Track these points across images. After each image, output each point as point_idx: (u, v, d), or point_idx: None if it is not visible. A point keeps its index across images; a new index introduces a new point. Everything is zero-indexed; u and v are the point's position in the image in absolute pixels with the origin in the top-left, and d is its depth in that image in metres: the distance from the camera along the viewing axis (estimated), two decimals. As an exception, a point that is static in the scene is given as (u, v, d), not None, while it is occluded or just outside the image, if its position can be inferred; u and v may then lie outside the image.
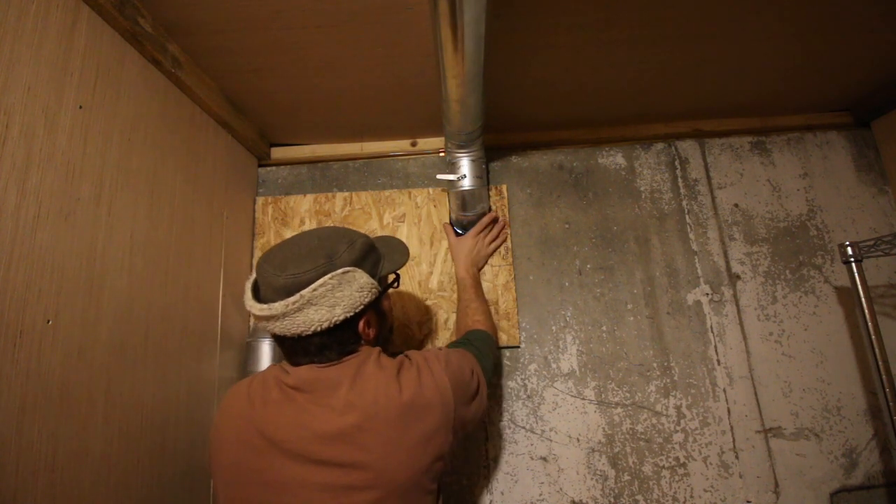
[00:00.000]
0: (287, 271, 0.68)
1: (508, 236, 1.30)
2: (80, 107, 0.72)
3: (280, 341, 0.72)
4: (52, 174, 0.66)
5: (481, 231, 1.23)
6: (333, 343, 0.71)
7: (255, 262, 1.28)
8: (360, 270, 0.71)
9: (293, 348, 0.71)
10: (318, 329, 0.68)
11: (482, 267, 1.26)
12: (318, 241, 0.72)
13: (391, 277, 0.85)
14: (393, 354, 0.77)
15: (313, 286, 0.66)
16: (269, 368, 0.77)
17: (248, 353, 1.14)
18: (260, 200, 1.33)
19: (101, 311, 0.73)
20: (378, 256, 0.79)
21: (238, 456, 0.68)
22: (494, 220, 1.26)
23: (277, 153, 1.39)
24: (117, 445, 0.74)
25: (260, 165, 1.38)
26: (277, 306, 0.66)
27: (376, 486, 0.64)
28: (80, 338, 0.69)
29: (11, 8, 0.62)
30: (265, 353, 1.12)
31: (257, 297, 0.72)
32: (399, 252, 0.85)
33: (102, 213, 0.75)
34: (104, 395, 0.72)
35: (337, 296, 0.68)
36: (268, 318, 0.68)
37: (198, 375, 0.98)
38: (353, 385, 0.68)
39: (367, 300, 0.72)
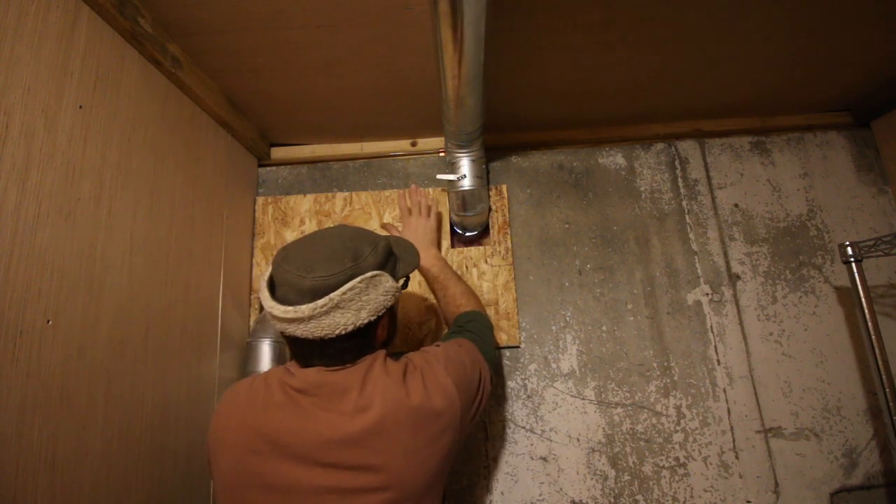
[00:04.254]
0: (314, 273, 0.66)
1: (508, 236, 1.30)
2: (80, 107, 0.72)
3: (297, 343, 0.70)
4: (52, 174, 0.66)
5: (412, 212, 1.18)
6: (353, 347, 0.70)
7: (255, 261, 1.28)
8: (385, 274, 0.71)
9: (311, 350, 0.70)
10: (343, 332, 0.66)
11: (439, 243, 1.22)
12: (342, 243, 0.71)
13: (402, 280, 0.83)
14: (395, 356, 0.77)
15: (343, 289, 0.65)
16: (271, 371, 0.76)
17: (248, 353, 1.14)
18: (260, 200, 1.33)
19: (101, 311, 0.73)
20: (395, 259, 0.79)
21: (239, 459, 0.67)
22: (410, 197, 1.21)
23: (277, 153, 1.39)
24: (117, 445, 0.74)
25: (260, 165, 1.38)
26: (305, 309, 0.64)
27: (391, 488, 0.64)
28: (80, 338, 0.69)
29: (11, 8, 0.62)
30: (265, 353, 1.12)
31: (275, 296, 0.69)
32: (411, 254, 0.85)
33: (102, 213, 0.75)
34: (104, 395, 0.72)
35: (363, 299, 0.67)
36: (290, 321, 0.66)
37: (198, 375, 0.98)
38: (362, 390, 0.67)
39: (389, 303, 0.71)
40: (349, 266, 0.67)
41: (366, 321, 0.68)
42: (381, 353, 0.74)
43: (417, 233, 1.14)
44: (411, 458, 0.65)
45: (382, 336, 0.76)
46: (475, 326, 0.92)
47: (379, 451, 0.64)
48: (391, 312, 0.77)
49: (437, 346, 0.82)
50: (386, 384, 0.68)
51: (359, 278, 0.67)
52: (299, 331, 0.66)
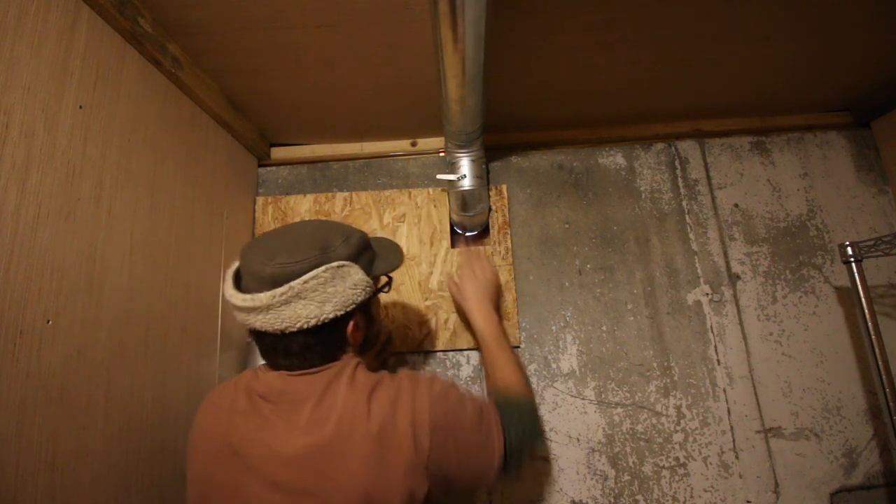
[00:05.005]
0: (275, 260, 0.62)
1: (508, 236, 1.30)
2: (80, 107, 0.72)
3: (259, 338, 0.66)
4: (52, 174, 0.66)
5: (473, 266, 1.06)
6: (318, 344, 0.65)
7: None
8: (355, 266, 0.66)
9: (273, 347, 0.65)
10: (305, 326, 0.62)
11: (498, 308, 1.06)
12: (312, 232, 0.68)
13: (384, 280, 0.78)
14: (383, 367, 0.72)
15: (304, 278, 0.61)
16: (244, 373, 0.72)
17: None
18: (260, 200, 1.33)
19: (101, 311, 0.73)
20: (373, 255, 0.74)
21: (209, 469, 0.64)
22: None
23: (277, 153, 1.39)
24: (117, 445, 0.74)
25: (260, 165, 1.38)
26: (262, 297, 0.60)
27: None
28: (80, 338, 0.69)
29: (11, 8, 0.62)
30: (265, 353, 1.12)
31: (239, 287, 0.66)
32: (394, 253, 0.80)
33: (102, 213, 0.75)
34: (104, 395, 0.72)
35: (329, 291, 0.63)
36: (249, 310, 0.62)
37: (198, 375, 0.98)
38: (319, 402, 0.61)
39: (359, 299, 0.66)
40: (315, 255, 0.63)
41: (331, 315, 0.63)
42: (354, 360, 0.68)
43: (477, 282, 1.03)
44: (354, 486, 0.57)
45: (356, 338, 0.70)
46: (514, 406, 0.76)
47: (323, 476, 0.57)
48: (365, 312, 0.72)
49: (448, 383, 0.70)
50: (346, 399, 0.61)
51: (323, 267, 0.62)
52: (258, 322, 0.62)
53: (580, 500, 1.14)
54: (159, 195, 0.89)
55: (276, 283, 0.61)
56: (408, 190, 1.33)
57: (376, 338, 0.80)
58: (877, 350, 1.00)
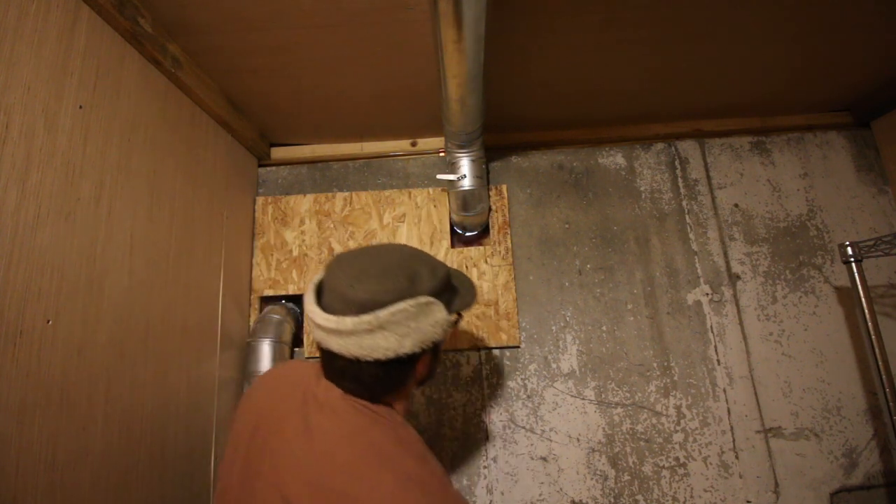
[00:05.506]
0: (364, 285, 0.61)
1: (508, 236, 1.30)
2: (80, 107, 0.72)
3: (330, 358, 0.64)
4: (52, 174, 0.66)
5: None
6: (387, 377, 0.64)
7: (255, 261, 1.28)
8: (440, 304, 0.64)
9: (343, 371, 0.63)
10: (381, 358, 0.60)
11: None
12: (401, 259, 0.66)
13: (454, 317, 0.74)
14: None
15: (391, 309, 0.59)
16: (302, 367, 0.72)
17: (248, 353, 1.14)
18: (260, 200, 1.33)
19: (101, 311, 0.73)
20: (454, 292, 0.72)
21: (242, 441, 0.65)
22: None
23: (277, 153, 1.39)
24: (117, 445, 0.74)
25: (260, 165, 1.38)
26: (348, 322, 0.59)
27: None
28: (80, 338, 0.69)
29: (11, 8, 0.62)
30: (265, 353, 1.12)
31: (320, 302, 0.64)
32: (470, 292, 0.76)
33: (102, 213, 0.75)
34: (104, 395, 0.72)
35: (411, 326, 0.61)
36: (329, 331, 0.61)
37: (198, 375, 0.98)
38: (336, 475, 0.57)
39: (437, 338, 0.65)
40: (404, 287, 0.62)
41: (408, 351, 0.62)
42: (400, 420, 0.65)
43: None
44: None
45: (422, 374, 0.69)
46: None
47: None
48: (436, 349, 0.70)
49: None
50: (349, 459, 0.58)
51: (411, 301, 0.61)
52: (336, 344, 0.61)
53: (580, 500, 1.14)
54: (159, 195, 0.89)
55: (362, 308, 0.60)
56: (408, 190, 1.33)
57: (434, 376, 0.78)
58: (877, 350, 1.00)
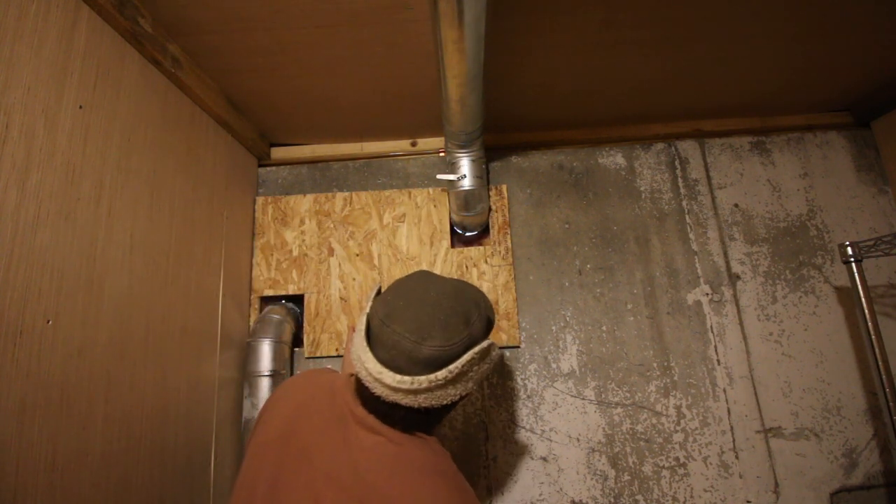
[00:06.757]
0: (431, 342, 0.60)
1: (508, 236, 1.30)
2: (80, 107, 0.72)
3: (388, 406, 0.62)
4: (52, 174, 0.66)
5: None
6: (444, 415, 0.65)
7: (255, 261, 1.28)
8: (495, 344, 0.66)
9: (398, 412, 0.62)
10: (447, 403, 0.62)
11: None
12: (453, 305, 0.65)
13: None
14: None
15: (461, 362, 0.60)
16: (337, 380, 0.70)
17: (248, 353, 1.14)
18: (260, 200, 1.33)
19: (101, 311, 0.73)
20: (490, 320, 0.71)
21: (277, 462, 0.65)
22: None
23: (277, 153, 1.39)
24: (117, 445, 0.74)
25: (260, 165, 1.38)
26: (423, 380, 0.59)
27: None
28: (80, 338, 0.69)
29: (11, 8, 0.62)
30: (265, 353, 1.12)
31: (376, 355, 0.62)
32: (493, 313, 0.76)
33: (102, 213, 0.75)
34: (104, 395, 0.72)
35: (474, 370, 0.63)
36: (402, 392, 0.60)
37: (198, 376, 0.98)
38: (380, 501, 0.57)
39: (489, 373, 0.69)
40: (465, 335, 0.62)
41: (469, 392, 0.63)
42: (440, 448, 0.66)
43: None
44: None
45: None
46: None
47: None
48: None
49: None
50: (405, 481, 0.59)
51: (476, 350, 0.62)
52: (407, 400, 0.60)
53: (580, 500, 1.14)
54: (159, 195, 0.89)
55: (432, 365, 0.60)
56: (408, 190, 1.33)
57: None
58: (877, 350, 1.00)
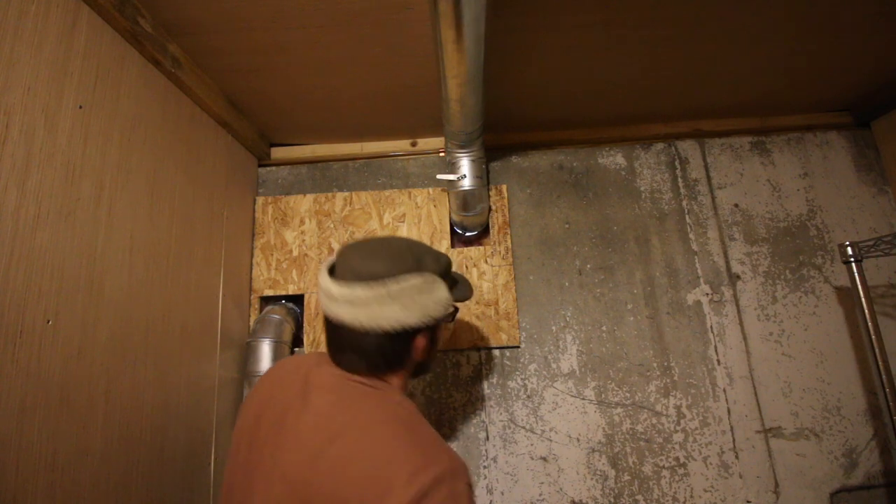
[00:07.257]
0: (376, 261, 0.66)
1: (508, 236, 1.30)
2: (80, 107, 0.72)
3: (336, 331, 0.68)
4: (52, 174, 0.66)
5: None
6: (389, 350, 0.67)
7: (255, 261, 1.28)
8: (443, 283, 0.70)
9: (348, 342, 0.67)
10: (386, 328, 0.65)
11: None
12: (408, 245, 0.71)
13: (451, 308, 0.79)
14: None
15: (400, 280, 0.65)
16: (311, 356, 0.74)
17: (248, 353, 1.14)
18: (260, 200, 1.33)
19: (101, 311, 0.73)
20: (454, 281, 0.77)
21: (247, 432, 0.67)
22: None
23: (277, 153, 1.39)
24: (117, 445, 0.74)
25: (260, 165, 1.38)
26: (360, 290, 0.64)
27: None
28: (80, 338, 0.69)
29: (11, 8, 0.62)
30: (265, 353, 1.12)
31: (333, 277, 0.69)
32: (467, 287, 0.83)
33: (102, 213, 0.75)
34: (104, 395, 0.72)
35: (416, 299, 0.66)
36: (342, 301, 0.65)
37: (198, 375, 0.98)
38: (332, 442, 0.58)
39: (437, 315, 0.69)
40: (412, 264, 0.67)
41: (412, 324, 0.66)
42: (396, 394, 0.67)
43: None
44: None
45: (419, 356, 0.71)
46: None
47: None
48: (434, 333, 0.73)
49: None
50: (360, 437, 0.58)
51: (418, 275, 0.66)
52: (347, 314, 0.65)
53: (580, 500, 1.14)
54: (159, 195, 0.89)
55: (374, 279, 0.65)
56: (408, 190, 1.33)
57: (430, 366, 0.80)
58: (877, 350, 1.00)
